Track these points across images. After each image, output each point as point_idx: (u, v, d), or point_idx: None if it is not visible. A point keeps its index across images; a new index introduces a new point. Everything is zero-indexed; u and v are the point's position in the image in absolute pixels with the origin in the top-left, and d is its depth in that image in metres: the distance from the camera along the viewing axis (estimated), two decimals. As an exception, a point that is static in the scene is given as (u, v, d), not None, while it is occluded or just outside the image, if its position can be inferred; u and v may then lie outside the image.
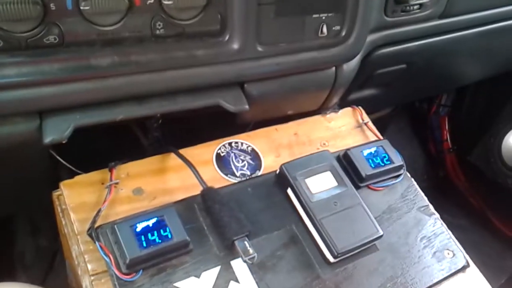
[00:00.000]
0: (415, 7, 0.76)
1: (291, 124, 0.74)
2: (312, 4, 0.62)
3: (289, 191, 0.62)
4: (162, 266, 0.54)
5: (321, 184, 0.63)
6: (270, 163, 0.69)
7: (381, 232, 0.62)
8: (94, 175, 0.61)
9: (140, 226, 0.54)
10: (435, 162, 1.72)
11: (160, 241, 0.53)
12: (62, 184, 0.59)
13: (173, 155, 0.65)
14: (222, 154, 0.68)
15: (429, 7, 0.77)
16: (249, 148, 0.69)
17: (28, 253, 1.13)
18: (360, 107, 0.79)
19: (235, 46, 0.60)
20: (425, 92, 1.30)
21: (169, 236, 0.54)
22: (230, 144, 0.69)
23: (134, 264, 0.52)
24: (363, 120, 0.77)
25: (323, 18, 0.63)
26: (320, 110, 0.78)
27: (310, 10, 0.62)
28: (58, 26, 0.53)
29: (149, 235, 0.54)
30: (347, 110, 0.79)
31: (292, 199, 0.62)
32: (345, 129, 0.76)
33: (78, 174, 0.63)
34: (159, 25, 0.57)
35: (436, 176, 1.72)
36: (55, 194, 0.61)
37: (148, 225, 0.54)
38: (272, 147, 0.71)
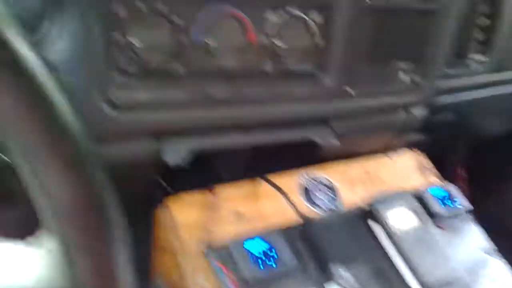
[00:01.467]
0: (473, 62, 0.84)
1: (361, 161, 0.79)
2: (396, 54, 0.69)
3: (376, 226, 0.67)
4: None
5: (403, 220, 0.68)
6: (347, 197, 0.73)
7: (457, 268, 0.66)
8: (197, 195, 0.65)
9: (253, 248, 0.57)
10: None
11: (274, 265, 0.57)
12: (169, 201, 0.63)
13: (261, 181, 0.69)
14: (304, 184, 0.72)
15: (485, 62, 0.85)
16: (327, 181, 0.74)
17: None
18: (419, 151, 0.85)
19: (329, 85, 0.66)
20: (464, 140, 1.37)
21: (281, 260, 0.58)
22: (309, 175, 0.74)
23: (254, 284, 0.55)
24: (424, 163, 0.83)
25: (404, 67, 0.70)
26: (385, 150, 0.84)
27: (394, 58, 0.69)
28: (185, 58, 0.58)
29: (264, 258, 0.57)
30: (409, 152, 0.85)
31: (377, 233, 0.67)
32: (409, 170, 0.82)
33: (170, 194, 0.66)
34: (268, 63, 0.63)
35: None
36: (161, 210, 0.64)
37: (262, 249, 0.58)
38: (347, 182, 0.76)
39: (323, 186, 0.73)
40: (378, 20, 0.65)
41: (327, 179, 0.75)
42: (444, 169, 1.76)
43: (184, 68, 0.59)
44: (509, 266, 0.76)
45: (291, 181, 0.72)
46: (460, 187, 1.75)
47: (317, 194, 0.72)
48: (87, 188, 0.29)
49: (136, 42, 0.54)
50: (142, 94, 0.57)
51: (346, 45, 0.65)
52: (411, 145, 0.90)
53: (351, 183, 0.76)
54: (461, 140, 1.25)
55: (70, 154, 0.28)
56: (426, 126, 0.95)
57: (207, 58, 0.59)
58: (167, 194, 0.66)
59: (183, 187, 0.67)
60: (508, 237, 1.58)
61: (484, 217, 1.63)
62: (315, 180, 0.74)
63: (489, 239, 1.63)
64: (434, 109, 0.89)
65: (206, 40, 0.58)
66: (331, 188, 0.74)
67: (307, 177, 0.73)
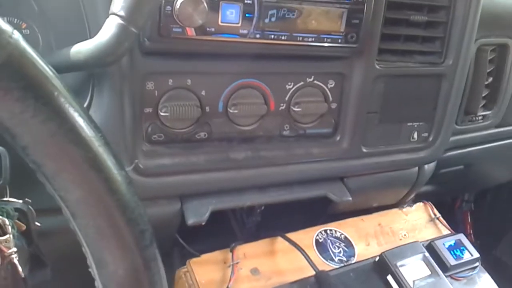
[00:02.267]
0: (480, 117, 0.88)
1: (374, 215, 0.82)
2: (407, 114, 0.73)
3: (390, 277, 0.69)
4: None
5: (417, 272, 0.70)
6: (362, 251, 0.76)
7: (473, 320, 0.68)
8: (217, 255, 0.68)
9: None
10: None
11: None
12: (191, 262, 0.66)
13: (279, 239, 0.72)
14: (320, 240, 0.75)
15: (490, 118, 0.89)
16: (342, 236, 0.77)
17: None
18: (430, 202, 0.88)
19: (344, 146, 0.70)
20: (467, 190, 1.40)
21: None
22: (325, 231, 0.77)
23: None
24: (435, 214, 0.86)
25: (415, 126, 0.74)
26: (397, 204, 0.87)
27: (406, 119, 0.73)
28: (209, 125, 0.63)
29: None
30: (420, 205, 0.87)
31: (392, 285, 0.69)
32: (420, 222, 0.84)
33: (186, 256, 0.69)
34: (286, 127, 0.67)
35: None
36: (182, 270, 0.67)
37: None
38: (361, 236, 0.78)
39: (338, 241, 0.76)
40: (389, 84, 0.69)
41: (342, 233, 0.77)
42: (452, 217, 1.79)
43: (207, 135, 0.63)
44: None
45: (308, 237, 0.75)
46: (467, 233, 1.78)
47: (332, 248, 0.75)
48: (140, 264, 0.32)
49: (165, 114, 0.58)
50: (167, 159, 0.61)
51: (359, 108, 0.69)
52: (421, 196, 0.93)
53: (365, 236, 0.78)
54: (468, 189, 1.28)
55: (131, 235, 0.31)
56: (436, 179, 0.98)
57: (229, 125, 0.63)
58: (188, 254, 0.69)
59: (202, 247, 0.70)
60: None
61: (490, 261, 1.65)
62: (331, 235, 0.76)
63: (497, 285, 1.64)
64: (444, 163, 0.93)
65: (230, 109, 0.62)
66: (346, 242, 0.76)
67: (323, 232, 0.76)
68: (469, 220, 1.83)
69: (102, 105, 0.56)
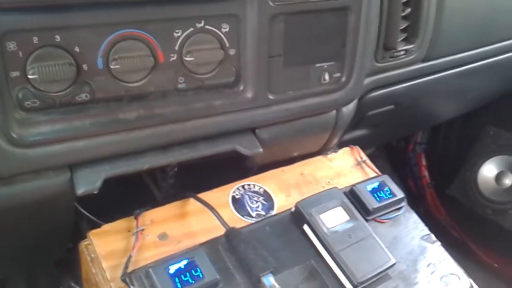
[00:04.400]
0: (401, 52, 0.84)
1: (296, 165, 0.79)
2: (315, 55, 0.69)
3: (306, 227, 0.66)
4: (196, 305, 0.56)
5: (335, 219, 0.67)
6: (282, 203, 0.73)
7: (393, 260, 0.66)
8: (120, 224, 0.63)
9: (172, 268, 0.56)
10: (415, 198, 1.79)
11: (193, 281, 0.56)
12: (90, 234, 0.61)
13: (191, 200, 0.68)
14: (237, 197, 0.71)
15: (413, 52, 0.85)
16: (261, 190, 0.74)
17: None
18: (357, 146, 0.85)
19: (249, 95, 0.66)
20: (408, 130, 1.38)
21: (201, 276, 0.57)
22: (243, 186, 0.73)
23: (170, 305, 0.54)
24: (361, 158, 0.83)
25: (325, 66, 0.70)
26: (321, 151, 0.84)
27: (314, 60, 0.69)
28: (90, 85, 0.57)
29: (182, 276, 0.56)
30: (346, 149, 0.84)
31: (309, 235, 0.66)
32: (346, 167, 0.81)
33: (96, 226, 0.65)
34: (181, 79, 0.62)
35: (418, 211, 1.79)
36: (84, 243, 0.62)
37: (180, 267, 0.57)
38: (281, 188, 0.75)
39: (256, 195, 0.73)
40: (289, 23, 0.65)
41: (261, 187, 0.74)
42: (407, 159, 1.79)
43: (90, 96, 0.57)
44: (448, 251, 0.77)
45: (224, 195, 0.71)
46: (422, 175, 1.79)
47: (250, 204, 0.71)
48: None
49: (33, 76, 0.52)
50: (46, 127, 0.56)
51: (259, 52, 0.64)
52: (356, 142, 0.90)
53: (286, 187, 0.75)
54: (408, 130, 1.26)
55: None
56: (367, 121, 0.95)
57: (114, 83, 0.58)
58: (97, 225, 0.64)
59: (115, 216, 0.66)
60: (468, 215, 1.61)
61: (449, 199, 1.66)
62: (248, 190, 0.73)
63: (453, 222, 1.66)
64: (371, 104, 0.89)
65: (111, 65, 0.56)
66: (265, 196, 0.73)
67: (240, 188, 0.73)
68: (424, 162, 1.84)
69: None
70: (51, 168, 0.59)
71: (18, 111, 0.54)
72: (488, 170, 1.56)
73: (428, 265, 0.72)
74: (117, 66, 0.56)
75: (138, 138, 0.61)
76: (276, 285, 0.59)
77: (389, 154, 1.82)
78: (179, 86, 0.62)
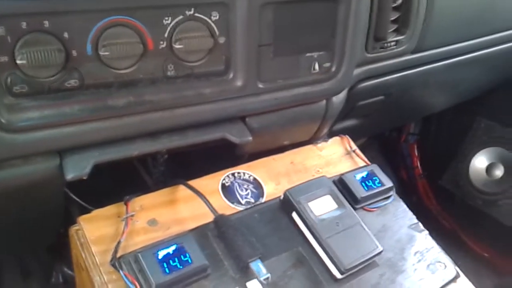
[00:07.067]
0: (392, 43, 0.84)
1: (286, 153, 0.79)
2: (305, 44, 0.69)
3: (294, 214, 0.67)
4: (184, 290, 0.57)
5: (323, 207, 0.68)
6: (271, 191, 0.73)
7: (380, 248, 0.67)
8: (110, 209, 0.64)
9: (161, 254, 0.57)
10: (408, 188, 1.81)
11: (181, 266, 0.57)
12: (80, 219, 0.62)
13: (181, 187, 0.69)
14: (227, 184, 0.72)
15: (403, 43, 0.85)
16: (251, 178, 0.74)
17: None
18: (347, 136, 0.85)
19: (239, 83, 0.66)
20: (399, 121, 1.39)
21: (189, 261, 0.57)
22: (233, 174, 0.74)
23: (158, 290, 0.55)
24: (351, 147, 0.84)
25: (315, 56, 0.70)
26: (311, 140, 0.84)
27: (304, 49, 0.69)
28: (79, 71, 0.57)
29: (171, 261, 0.57)
30: (336, 139, 0.85)
31: (297, 222, 0.67)
32: (335, 156, 0.82)
33: (87, 212, 0.65)
34: (170, 67, 0.62)
35: (410, 201, 1.80)
36: (74, 228, 0.63)
37: (169, 252, 0.57)
38: (271, 176, 0.75)
39: (246, 183, 0.73)
40: (279, 12, 0.65)
41: (250, 175, 0.74)
42: (400, 149, 1.79)
43: (79, 82, 0.57)
44: (439, 241, 0.78)
45: (214, 182, 0.72)
46: (414, 165, 1.80)
47: (240, 191, 0.72)
48: None
49: (22, 62, 0.52)
50: (35, 113, 0.56)
51: (249, 41, 0.64)
52: (346, 132, 0.91)
53: (276, 176, 0.76)
54: (398, 121, 1.27)
55: None
56: (357, 112, 0.95)
57: (103, 69, 0.58)
58: (88, 211, 0.65)
59: (106, 202, 0.66)
60: (459, 206, 1.63)
61: (441, 189, 1.67)
62: (238, 178, 0.73)
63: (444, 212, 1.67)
64: (361, 94, 0.90)
65: (100, 52, 0.56)
66: (254, 184, 0.73)
67: (230, 176, 0.73)
68: (416, 153, 1.85)
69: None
70: (40, 153, 0.59)
71: (7, 96, 0.54)
72: (480, 162, 1.57)
73: (416, 253, 0.73)
74: (106, 53, 0.57)
75: (127, 125, 0.61)
76: (264, 270, 0.60)
77: (381, 145, 1.83)
78: (169, 73, 0.62)
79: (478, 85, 1.28)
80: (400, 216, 0.76)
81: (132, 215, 0.63)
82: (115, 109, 0.60)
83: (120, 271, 0.56)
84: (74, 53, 0.56)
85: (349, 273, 0.64)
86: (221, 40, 0.63)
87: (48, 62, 0.54)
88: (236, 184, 0.72)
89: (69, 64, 0.56)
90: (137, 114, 0.61)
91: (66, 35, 0.55)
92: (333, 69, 0.72)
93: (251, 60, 0.65)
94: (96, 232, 0.61)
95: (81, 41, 0.56)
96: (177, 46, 0.60)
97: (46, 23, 0.53)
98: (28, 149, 0.57)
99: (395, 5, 0.81)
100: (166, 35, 0.60)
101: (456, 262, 0.75)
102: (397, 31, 0.85)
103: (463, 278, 0.73)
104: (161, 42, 0.60)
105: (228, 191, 0.71)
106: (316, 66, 0.71)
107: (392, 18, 0.81)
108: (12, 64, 0.53)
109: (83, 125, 0.59)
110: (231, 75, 0.66)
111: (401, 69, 0.90)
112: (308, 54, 0.69)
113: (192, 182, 0.69)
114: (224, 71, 0.65)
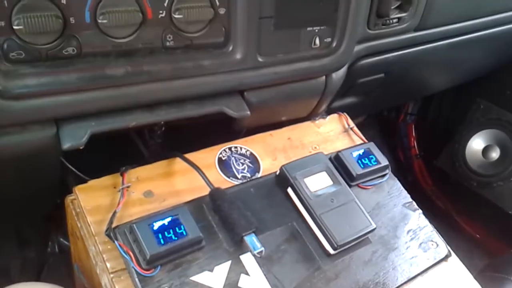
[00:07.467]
0: (394, 20, 0.83)
1: (284, 129, 0.79)
2: (306, 18, 0.68)
3: (290, 190, 0.67)
4: (178, 262, 0.58)
5: (318, 183, 0.68)
6: (268, 166, 0.73)
7: (374, 225, 0.67)
8: (106, 180, 0.64)
9: (156, 225, 0.57)
10: (403, 168, 1.81)
11: (176, 238, 0.57)
12: (76, 189, 0.62)
13: (178, 159, 0.69)
14: (223, 158, 0.72)
15: (406, 20, 0.84)
16: (248, 152, 0.74)
17: (14, 266, 1.13)
18: (345, 113, 0.85)
19: (238, 56, 0.65)
20: (398, 100, 1.39)
21: (184, 233, 0.58)
22: (230, 148, 0.73)
23: (154, 260, 0.55)
24: (348, 125, 0.84)
25: (316, 30, 0.69)
26: (309, 116, 0.84)
27: (305, 23, 0.68)
28: (77, 39, 0.56)
29: (166, 233, 0.57)
30: (334, 116, 0.85)
31: (292, 197, 0.67)
32: (333, 133, 0.82)
33: (83, 182, 0.65)
34: (169, 37, 0.61)
35: (405, 181, 1.82)
36: (69, 198, 0.63)
37: (164, 224, 0.58)
38: (268, 151, 0.75)
39: (243, 158, 0.73)
40: (281, -16, 0.63)
41: (247, 150, 0.74)
42: (397, 129, 1.79)
43: (76, 50, 0.57)
44: (433, 221, 0.78)
45: (210, 156, 0.72)
46: (411, 145, 1.80)
47: (236, 166, 0.72)
48: None
49: (18, 27, 0.51)
50: (32, 80, 0.55)
51: (250, 13, 0.63)
52: (345, 109, 0.90)
53: (272, 151, 0.76)
54: (397, 99, 1.26)
55: None
56: (357, 89, 0.95)
57: (101, 38, 0.57)
58: (84, 181, 0.65)
59: (102, 173, 0.66)
60: (454, 187, 1.64)
61: (436, 170, 1.68)
62: (235, 152, 0.73)
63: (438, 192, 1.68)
64: (361, 71, 0.89)
65: (98, 20, 0.55)
66: (251, 158, 0.73)
67: (227, 150, 0.73)
68: (413, 133, 1.85)
69: None
70: (37, 121, 0.58)
71: (4, 62, 0.54)
72: (477, 143, 1.57)
73: (408, 231, 0.73)
74: (104, 21, 0.56)
75: (125, 95, 0.61)
76: (258, 244, 0.60)
77: (379, 124, 1.83)
78: (168, 44, 0.61)
79: (478, 66, 1.27)
80: (394, 194, 0.76)
81: (128, 186, 0.63)
82: (113, 79, 0.59)
83: (115, 241, 0.56)
84: (72, 20, 0.55)
85: (342, 249, 0.65)
86: (221, 11, 0.62)
87: (46, 28, 0.53)
88: (232, 159, 0.72)
89: (66, 31, 0.55)
90: (135, 84, 0.61)
91: (64, 1, 0.53)
92: (334, 44, 0.71)
93: (251, 32, 0.64)
94: (91, 202, 0.61)
95: (79, 8, 0.55)
96: (176, 16, 0.59)
97: None
98: (24, 116, 0.57)
99: (398, -19, 0.80)
100: (165, 4, 0.59)
101: (448, 242, 0.75)
102: (400, 8, 0.83)
103: (454, 258, 0.74)
104: (161, 12, 0.59)
105: (224, 165, 0.71)
106: (317, 41, 0.70)
107: (395, -5, 0.80)
108: (9, 29, 0.52)
109: (80, 94, 0.58)
110: (230, 48, 0.65)
111: (403, 47, 0.90)
112: (309, 28, 0.69)
113: (188, 155, 0.69)
114: (223, 43, 0.64)
